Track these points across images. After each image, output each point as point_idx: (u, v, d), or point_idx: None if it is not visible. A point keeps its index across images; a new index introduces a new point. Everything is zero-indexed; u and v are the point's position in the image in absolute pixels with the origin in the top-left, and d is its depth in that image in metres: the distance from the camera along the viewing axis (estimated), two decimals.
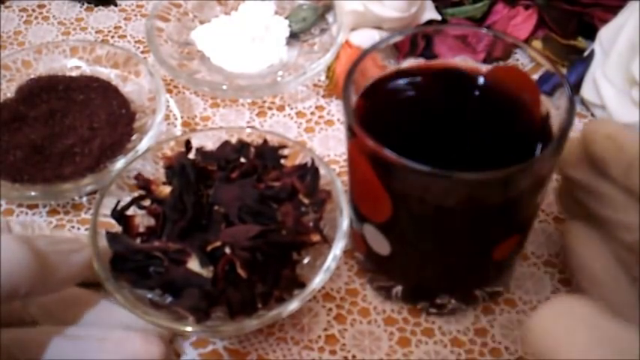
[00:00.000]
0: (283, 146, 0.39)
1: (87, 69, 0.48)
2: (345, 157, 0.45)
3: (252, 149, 0.39)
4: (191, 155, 0.39)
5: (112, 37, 0.54)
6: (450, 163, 0.27)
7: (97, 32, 0.55)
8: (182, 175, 0.36)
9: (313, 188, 0.37)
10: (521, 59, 0.47)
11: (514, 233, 0.32)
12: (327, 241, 0.34)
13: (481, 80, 0.34)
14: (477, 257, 0.33)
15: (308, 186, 0.37)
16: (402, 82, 0.34)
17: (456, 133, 0.33)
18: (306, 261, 0.36)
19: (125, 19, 0.56)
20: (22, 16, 0.56)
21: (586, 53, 0.47)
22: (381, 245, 0.33)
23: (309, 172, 0.37)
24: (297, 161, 0.39)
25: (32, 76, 0.47)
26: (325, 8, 0.51)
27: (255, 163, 0.38)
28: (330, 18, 0.51)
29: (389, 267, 0.35)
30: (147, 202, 0.37)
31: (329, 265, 0.33)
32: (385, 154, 0.28)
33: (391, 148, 0.28)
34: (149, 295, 0.34)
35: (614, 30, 0.45)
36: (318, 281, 0.33)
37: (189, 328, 0.32)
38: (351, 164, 0.33)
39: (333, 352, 0.35)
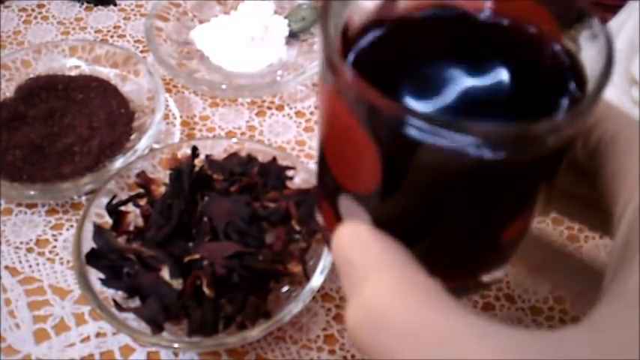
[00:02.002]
0: (291, 167, 0.39)
1: (86, 68, 0.48)
2: None
3: (257, 165, 0.38)
4: (201, 161, 0.39)
5: (112, 36, 0.54)
6: (462, 113, 0.22)
7: (96, 32, 0.55)
8: (177, 181, 0.36)
9: (308, 216, 0.36)
10: None
11: (527, 210, 0.25)
12: (307, 275, 0.34)
13: (486, 18, 0.27)
14: (483, 241, 0.26)
15: (303, 213, 0.36)
16: (391, 29, 0.27)
17: (466, 81, 0.25)
18: (284, 289, 0.35)
19: (124, 18, 0.56)
20: (22, 16, 0.56)
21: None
22: (356, 222, 0.26)
23: (307, 199, 0.37)
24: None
25: (31, 76, 0.47)
26: None
27: (257, 180, 0.37)
28: None
29: None
30: (144, 202, 0.37)
31: (301, 299, 0.33)
32: (386, 106, 0.21)
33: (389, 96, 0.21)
34: (116, 296, 0.34)
35: (614, 30, 0.45)
36: (284, 313, 0.33)
37: (144, 338, 0.32)
38: (327, 116, 0.25)
39: (332, 352, 0.35)
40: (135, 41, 0.54)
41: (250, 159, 0.39)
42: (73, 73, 0.48)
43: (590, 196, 0.23)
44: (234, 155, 0.39)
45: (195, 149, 0.38)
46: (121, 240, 0.36)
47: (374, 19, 0.26)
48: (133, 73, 0.47)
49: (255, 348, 0.35)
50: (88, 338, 0.36)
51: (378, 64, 0.25)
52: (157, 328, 0.32)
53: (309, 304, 0.37)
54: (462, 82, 0.25)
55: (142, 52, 0.53)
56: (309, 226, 0.36)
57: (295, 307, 0.33)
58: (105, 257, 0.34)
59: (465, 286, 0.29)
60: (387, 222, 0.24)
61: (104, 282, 0.34)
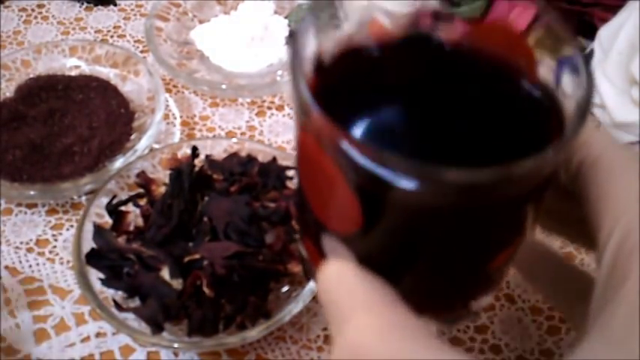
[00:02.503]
0: (292, 168, 0.39)
1: (86, 68, 0.48)
2: None
3: (257, 165, 0.38)
4: (201, 161, 0.39)
5: (112, 36, 0.54)
6: (441, 154, 0.21)
7: (96, 32, 0.54)
8: (177, 181, 0.36)
9: None
10: None
11: (515, 239, 0.25)
12: (307, 274, 0.33)
13: (459, 45, 0.26)
14: (470, 272, 0.26)
15: None
16: (363, 53, 0.26)
17: (436, 117, 0.24)
18: (284, 289, 0.35)
19: (124, 18, 0.56)
20: (22, 16, 0.56)
21: (585, 53, 0.47)
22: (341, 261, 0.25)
23: None
24: None
25: (31, 76, 0.47)
26: None
27: (257, 180, 0.37)
28: None
29: None
30: (144, 202, 0.37)
31: (301, 299, 0.33)
32: (361, 149, 0.20)
33: (356, 136, 0.21)
34: (116, 296, 0.34)
35: (614, 29, 0.45)
36: (284, 313, 0.33)
37: (144, 338, 0.32)
38: (304, 159, 0.24)
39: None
40: (135, 41, 0.54)
41: (250, 159, 0.39)
42: (73, 73, 0.48)
43: (573, 212, 0.23)
44: (234, 155, 0.39)
45: (195, 149, 0.38)
46: (121, 240, 0.36)
47: (348, 48, 0.25)
48: (133, 73, 0.47)
49: (256, 348, 0.35)
50: (88, 338, 0.36)
51: (350, 102, 0.24)
52: (157, 328, 0.32)
53: (309, 304, 0.37)
54: (437, 120, 0.24)
55: (142, 52, 0.53)
56: None
57: (295, 307, 0.33)
58: (105, 257, 0.34)
59: (455, 316, 0.29)
60: (371, 260, 0.24)
61: (104, 282, 0.34)
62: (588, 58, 0.46)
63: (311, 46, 0.24)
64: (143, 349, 0.35)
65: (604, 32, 0.46)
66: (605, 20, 0.46)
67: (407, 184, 0.20)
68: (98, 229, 0.35)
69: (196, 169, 0.38)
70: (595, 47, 0.46)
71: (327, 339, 0.36)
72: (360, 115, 0.23)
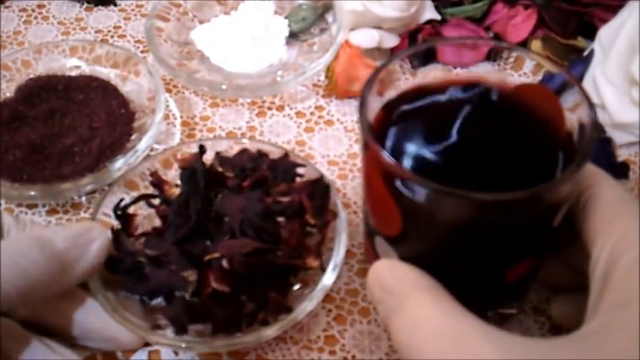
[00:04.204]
0: (302, 165, 0.38)
1: (86, 69, 0.48)
2: (344, 158, 0.45)
3: (268, 161, 0.38)
4: (209, 158, 0.38)
5: (112, 36, 0.54)
6: (468, 181, 0.26)
7: (96, 32, 0.55)
8: (191, 180, 0.36)
9: (321, 208, 0.36)
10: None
11: (529, 256, 0.31)
12: (324, 269, 0.34)
13: (504, 97, 0.33)
14: (489, 279, 0.32)
15: (316, 205, 0.36)
16: (423, 95, 0.33)
17: (476, 151, 0.31)
18: (296, 287, 0.35)
19: (125, 18, 0.56)
20: (22, 16, 0.56)
21: (586, 53, 0.47)
22: (391, 259, 0.33)
23: (319, 190, 0.36)
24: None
25: (32, 76, 0.47)
26: (325, 8, 0.51)
27: (266, 174, 0.37)
28: (329, 18, 0.51)
29: None
30: (156, 202, 0.37)
31: (315, 296, 0.33)
32: (397, 171, 0.27)
33: (408, 164, 0.28)
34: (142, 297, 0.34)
35: (614, 29, 0.45)
36: (303, 308, 0.33)
37: (164, 340, 0.32)
38: (365, 175, 0.33)
39: (332, 353, 0.35)
40: (135, 41, 0.54)
41: (261, 154, 0.39)
42: (74, 73, 0.48)
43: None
44: (244, 151, 0.39)
45: (202, 147, 0.38)
46: (138, 244, 0.36)
47: (414, 89, 0.33)
48: (133, 74, 0.47)
49: (256, 348, 0.35)
50: None
51: (403, 137, 0.31)
52: (182, 328, 0.32)
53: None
54: (473, 153, 0.31)
55: (142, 52, 0.53)
56: (323, 218, 0.36)
57: (310, 305, 0.33)
58: (123, 262, 0.34)
59: (484, 318, 0.33)
60: (409, 259, 0.30)
61: (129, 289, 0.34)
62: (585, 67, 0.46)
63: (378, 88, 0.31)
64: (144, 350, 0.35)
65: (604, 32, 0.46)
66: (605, 20, 0.47)
67: (434, 201, 0.27)
68: (117, 235, 0.35)
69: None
70: (595, 47, 0.46)
71: (327, 340, 0.36)
72: (412, 146, 0.30)
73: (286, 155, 0.38)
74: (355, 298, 0.37)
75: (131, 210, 0.37)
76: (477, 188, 0.26)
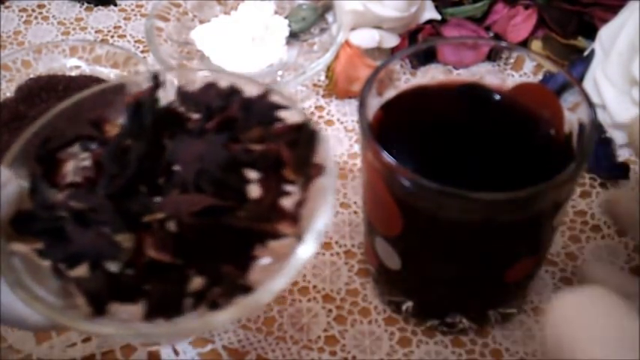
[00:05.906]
0: (285, 107, 0.29)
1: (86, 69, 0.48)
2: (344, 158, 0.45)
3: (241, 100, 0.29)
4: (171, 96, 0.30)
5: (112, 36, 0.54)
6: (468, 181, 0.26)
7: (96, 32, 0.55)
8: (135, 118, 0.28)
9: (304, 161, 0.27)
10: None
11: (528, 256, 0.31)
12: (301, 239, 0.25)
13: (504, 97, 0.33)
14: (489, 278, 0.32)
15: (298, 157, 0.27)
16: (421, 96, 0.33)
17: (475, 151, 0.31)
18: (264, 262, 0.25)
19: (125, 18, 0.56)
20: (22, 16, 0.56)
21: (586, 53, 0.47)
22: (391, 259, 0.33)
23: (303, 138, 0.27)
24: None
25: (32, 76, 0.47)
26: (325, 8, 0.51)
27: (236, 115, 0.28)
28: (329, 18, 0.51)
29: (399, 281, 0.35)
30: (94, 146, 0.29)
31: (286, 273, 0.23)
32: (398, 171, 0.27)
33: (407, 164, 0.27)
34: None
35: (615, 30, 0.45)
36: (268, 288, 0.23)
37: (75, 324, 0.23)
38: (365, 175, 0.32)
39: (332, 353, 0.35)
40: (135, 41, 0.54)
41: (233, 91, 0.29)
42: (74, 73, 0.48)
43: None
44: (211, 86, 0.30)
45: (156, 77, 0.29)
46: (61, 196, 0.27)
47: (412, 89, 0.34)
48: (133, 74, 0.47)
49: (256, 348, 0.35)
50: (89, 338, 0.36)
51: (403, 137, 0.31)
52: (99, 308, 0.24)
53: (309, 304, 0.37)
54: (473, 153, 0.31)
55: (142, 52, 0.53)
56: (307, 174, 0.27)
57: (277, 284, 0.23)
58: (37, 217, 0.26)
59: (485, 317, 0.35)
60: (410, 259, 0.32)
61: (42, 253, 0.25)
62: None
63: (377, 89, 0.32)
64: (144, 349, 0.35)
65: (604, 32, 0.46)
66: (605, 20, 0.46)
67: (435, 201, 0.27)
68: (34, 182, 0.27)
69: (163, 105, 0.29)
70: (595, 47, 0.46)
71: (327, 340, 0.36)
72: (410, 145, 0.31)
73: (265, 94, 0.29)
74: (355, 298, 0.37)
75: (61, 155, 0.29)
76: (477, 188, 0.26)
